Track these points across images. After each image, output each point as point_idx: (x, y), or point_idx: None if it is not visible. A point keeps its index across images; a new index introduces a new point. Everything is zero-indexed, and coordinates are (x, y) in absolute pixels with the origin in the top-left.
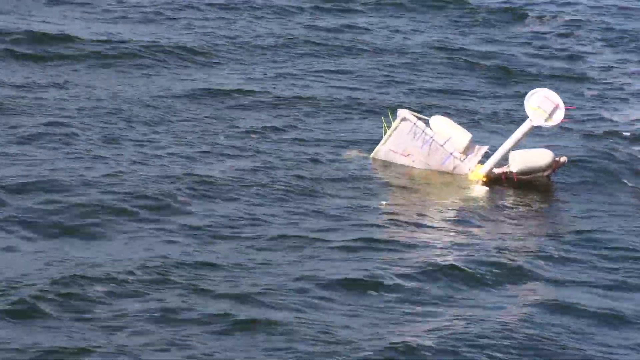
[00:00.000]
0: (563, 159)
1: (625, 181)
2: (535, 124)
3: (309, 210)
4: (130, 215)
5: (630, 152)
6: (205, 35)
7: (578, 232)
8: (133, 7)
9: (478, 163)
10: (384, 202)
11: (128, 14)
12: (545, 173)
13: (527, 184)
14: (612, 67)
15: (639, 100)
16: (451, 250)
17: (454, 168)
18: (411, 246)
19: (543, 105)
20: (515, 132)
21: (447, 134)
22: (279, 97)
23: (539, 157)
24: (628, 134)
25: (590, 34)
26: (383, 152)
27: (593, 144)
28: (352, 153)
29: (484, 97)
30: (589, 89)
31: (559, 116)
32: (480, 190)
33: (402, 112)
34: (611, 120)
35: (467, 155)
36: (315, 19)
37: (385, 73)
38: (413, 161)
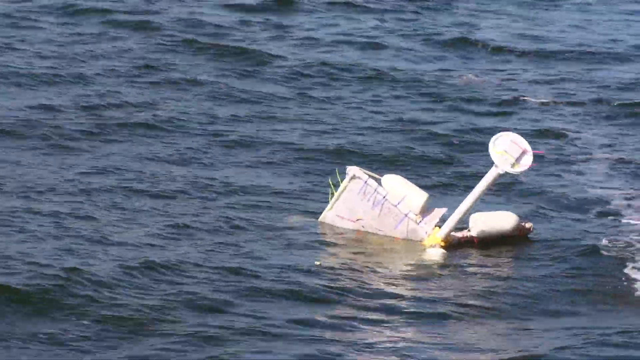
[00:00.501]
0: (529, 225)
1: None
2: (502, 171)
3: (236, 269)
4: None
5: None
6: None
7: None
8: None
9: (436, 226)
10: (318, 262)
11: None
12: (508, 236)
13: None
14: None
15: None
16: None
17: (409, 232)
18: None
19: (510, 150)
20: (479, 183)
21: (402, 194)
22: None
23: (503, 220)
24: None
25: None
26: (330, 218)
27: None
28: (295, 218)
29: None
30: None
31: (526, 161)
32: (434, 254)
33: (351, 170)
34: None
35: (423, 217)
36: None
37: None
38: (363, 226)
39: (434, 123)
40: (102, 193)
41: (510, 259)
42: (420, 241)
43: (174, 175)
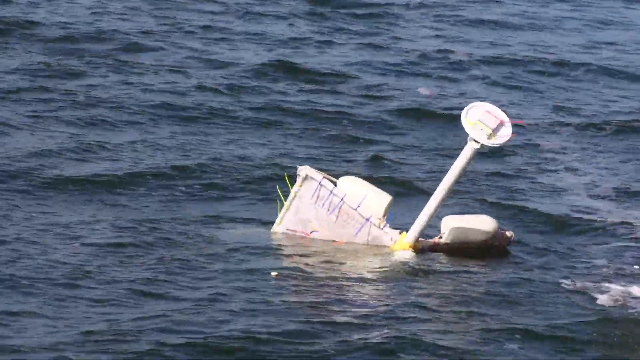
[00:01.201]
0: (509, 233)
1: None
2: (477, 144)
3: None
4: None
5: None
6: None
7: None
8: None
9: (402, 231)
10: (275, 273)
11: None
12: (486, 244)
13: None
14: None
15: None
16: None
17: (371, 238)
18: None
19: (485, 120)
20: (453, 166)
21: (362, 195)
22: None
23: (480, 225)
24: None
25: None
26: (280, 235)
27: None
28: (240, 231)
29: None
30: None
31: (505, 132)
32: (402, 256)
33: (303, 170)
34: None
35: (387, 221)
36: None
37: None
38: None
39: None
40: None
41: (483, 260)
42: (386, 248)
43: (115, 189)
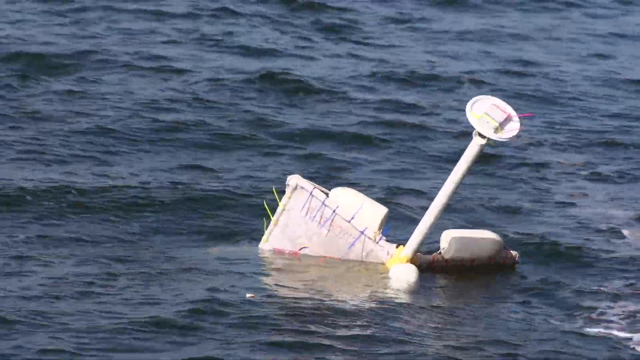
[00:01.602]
0: (514, 253)
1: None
2: (483, 139)
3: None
4: None
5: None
6: None
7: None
8: None
9: (399, 245)
10: (250, 295)
11: None
12: (490, 262)
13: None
14: None
15: None
16: None
17: (367, 253)
18: None
19: (491, 113)
20: (457, 166)
21: (356, 207)
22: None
23: (484, 242)
24: None
25: None
26: (267, 252)
27: None
28: (220, 249)
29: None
30: None
31: (513, 127)
32: (400, 272)
33: (293, 179)
34: None
35: (382, 234)
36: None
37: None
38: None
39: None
40: None
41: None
42: (382, 264)
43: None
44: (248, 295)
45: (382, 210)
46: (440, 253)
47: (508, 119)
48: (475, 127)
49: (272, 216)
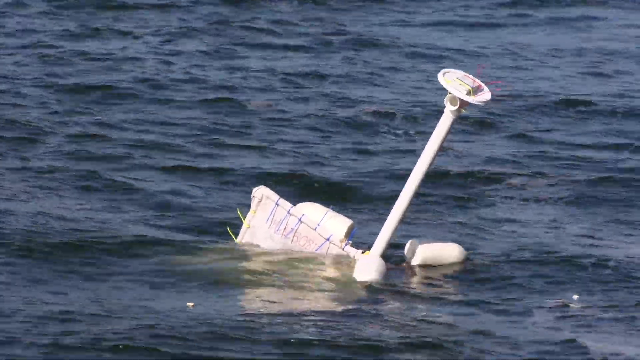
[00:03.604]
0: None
1: None
2: (455, 104)
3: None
4: None
5: None
6: None
7: None
8: None
9: (365, 251)
10: (190, 304)
11: None
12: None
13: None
14: None
15: None
16: None
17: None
18: None
19: (463, 80)
20: (431, 139)
21: (319, 217)
22: None
23: (446, 253)
24: None
25: None
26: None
27: None
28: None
29: None
30: None
31: (484, 96)
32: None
33: (259, 191)
34: None
35: (348, 241)
36: None
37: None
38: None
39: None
40: None
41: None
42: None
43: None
44: (188, 304)
45: (347, 222)
46: (406, 263)
47: (479, 88)
48: (447, 89)
49: (235, 237)
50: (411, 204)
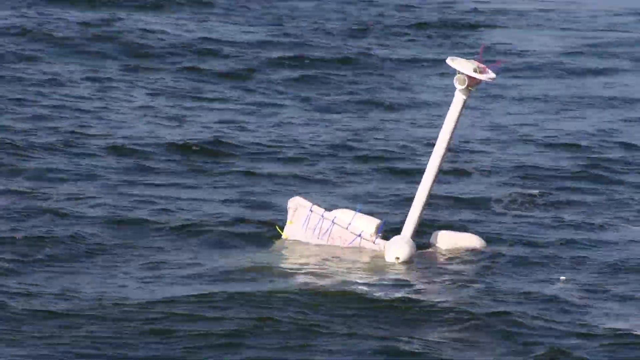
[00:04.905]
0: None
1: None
2: (463, 82)
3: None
4: None
5: None
6: None
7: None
8: None
9: None
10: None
11: None
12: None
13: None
14: None
15: None
16: None
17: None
18: None
19: (470, 61)
20: (445, 123)
21: (350, 218)
22: None
23: (471, 244)
24: None
25: None
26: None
27: None
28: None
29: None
30: None
31: (490, 75)
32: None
33: (294, 201)
34: None
35: (377, 235)
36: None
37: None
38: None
39: None
40: None
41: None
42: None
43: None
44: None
45: (375, 220)
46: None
47: (484, 70)
48: (455, 67)
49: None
50: (435, 182)
